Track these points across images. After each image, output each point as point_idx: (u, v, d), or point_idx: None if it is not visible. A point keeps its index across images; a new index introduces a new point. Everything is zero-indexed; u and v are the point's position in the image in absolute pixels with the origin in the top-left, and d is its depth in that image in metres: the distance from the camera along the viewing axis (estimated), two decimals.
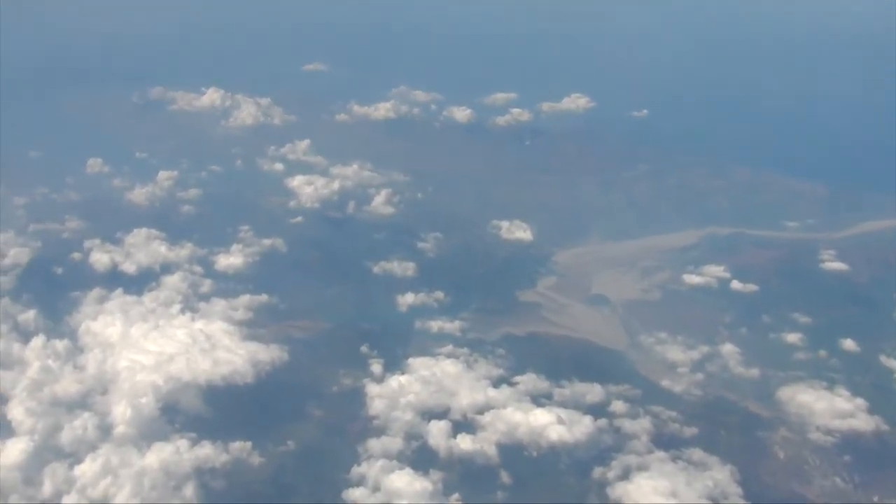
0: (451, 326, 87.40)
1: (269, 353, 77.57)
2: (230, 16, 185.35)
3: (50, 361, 74.80)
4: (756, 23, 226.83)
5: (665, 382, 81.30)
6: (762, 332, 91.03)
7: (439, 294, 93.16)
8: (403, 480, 64.13)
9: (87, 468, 62.72)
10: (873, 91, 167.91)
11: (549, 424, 70.95)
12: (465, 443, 69.20)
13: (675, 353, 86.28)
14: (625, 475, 66.32)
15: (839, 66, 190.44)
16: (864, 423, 75.73)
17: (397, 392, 74.07)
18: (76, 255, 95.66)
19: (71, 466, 63.10)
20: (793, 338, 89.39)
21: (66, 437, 66.48)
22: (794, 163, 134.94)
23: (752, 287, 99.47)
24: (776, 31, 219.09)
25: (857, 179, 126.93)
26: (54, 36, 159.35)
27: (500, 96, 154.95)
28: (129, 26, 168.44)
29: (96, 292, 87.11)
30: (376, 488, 63.72)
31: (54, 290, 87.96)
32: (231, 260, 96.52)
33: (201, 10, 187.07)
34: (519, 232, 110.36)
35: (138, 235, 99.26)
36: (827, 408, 77.36)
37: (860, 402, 77.93)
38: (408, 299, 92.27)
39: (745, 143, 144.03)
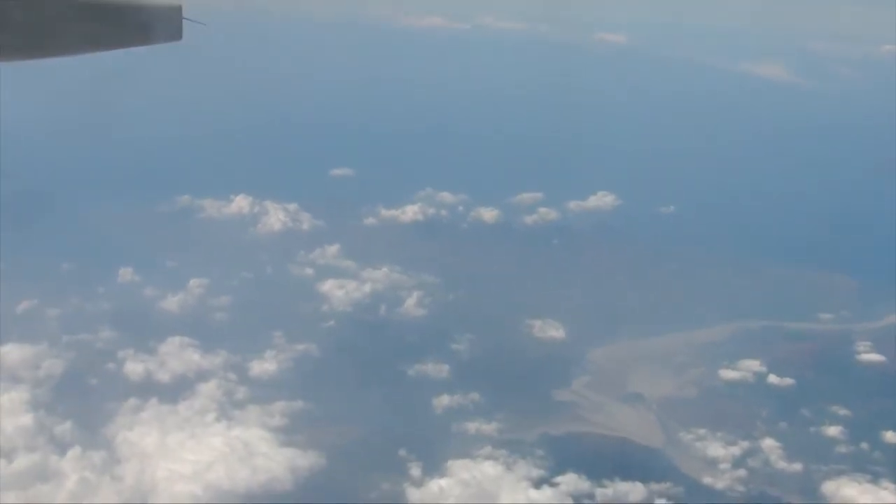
0: (489, 428, 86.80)
1: (306, 460, 77.21)
2: (255, 123, 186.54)
3: (87, 473, 74.57)
4: (781, 116, 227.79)
5: (707, 479, 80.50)
6: (802, 426, 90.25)
7: (475, 395, 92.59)
8: None
9: None
10: None
11: None
12: None
13: (716, 449, 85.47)
14: None
15: (868, 157, 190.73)
16: None
17: (438, 496, 73.58)
18: (110, 366, 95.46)
19: None
20: (833, 431, 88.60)
21: None
22: (825, 255, 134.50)
23: (788, 381, 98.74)
24: (802, 124, 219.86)
25: (888, 270, 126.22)
26: (79, 148, 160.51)
27: (527, 196, 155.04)
28: (153, 136, 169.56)
29: (131, 402, 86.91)
30: None
31: (89, 401, 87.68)
32: (265, 366, 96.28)
33: (225, 118, 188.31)
34: (551, 331, 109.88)
35: (171, 344, 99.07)
36: (872, 502, 76.51)
37: None
38: (443, 401, 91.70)
39: (774, 237, 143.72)
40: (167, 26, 10.31)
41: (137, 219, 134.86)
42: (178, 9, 10.32)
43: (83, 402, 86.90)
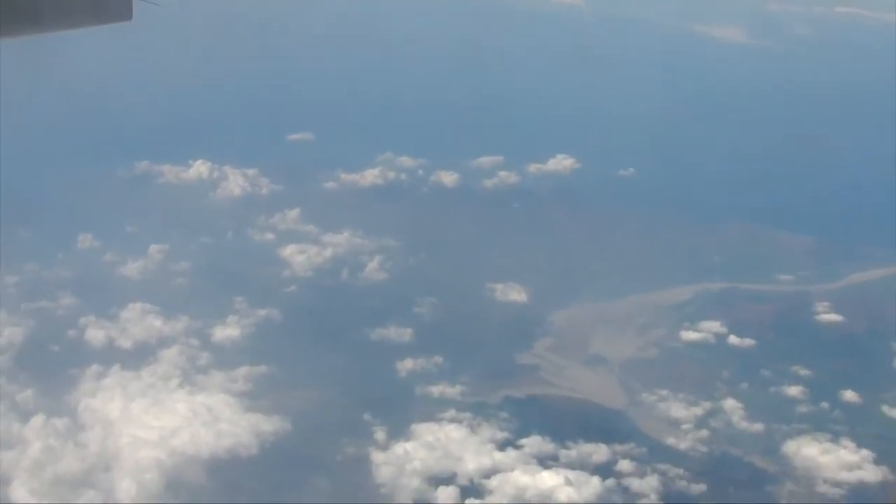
0: (452, 391, 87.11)
1: (271, 424, 77.27)
2: (212, 88, 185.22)
3: (51, 440, 74.29)
4: (739, 77, 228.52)
5: (670, 440, 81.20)
6: (763, 387, 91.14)
7: (438, 359, 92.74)
8: None
9: None
10: (860, 143, 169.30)
11: (557, 486, 70.90)
12: None
13: (678, 410, 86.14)
14: None
15: (825, 117, 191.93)
16: (871, 474, 75.89)
17: (403, 459, 73.88)
18: (71, 333, 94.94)
19: None
20: (794, 391, 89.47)
21: None
22: (783, 216, 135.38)
23: (749, 342, 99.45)
24: (761, 85, 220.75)
25: (846, 231, 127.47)
26: (36, 115, 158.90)
27: (487, 159, 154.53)
28: (110, 102, 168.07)
29: (94, 369, 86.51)
30: None
31: (51, 368, 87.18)
32: (227, 332, 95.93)
33: (182, 84, 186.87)
34: (513, 294, 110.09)
35: (133, 310, 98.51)
36: (833, 460, 77.44)
37: (865, 453, 78.03)
38: (407, 365, 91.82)
39: (732, 199, 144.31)
40: (118, 6, 10.14)
41: (96, 185, 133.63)
42: None
43: (45, 370, 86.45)
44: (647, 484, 73.25)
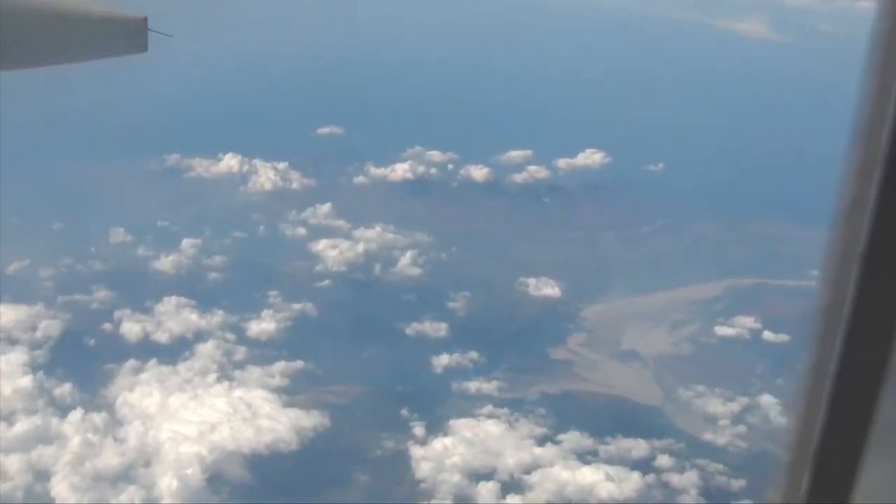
0: (489, 386, 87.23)
1: (310, 420, 77.48)
2: (240, 81, 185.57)
3: (90, 435, 74.62)
4: (765, 73, 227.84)
5: (707, 436, 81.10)
6: (798, 383, 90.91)
7: (473, 354, 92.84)
8: None
9: None
10: None
11: (598, 482, 70.92)
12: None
13: (714, 405, 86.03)
14: None
15: (850, 114, 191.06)
16: None
17: (442, 454, 74.00)
18: (107, 326, 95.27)
19: None
20: None
21: None
22: (812, 211, 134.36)
23: (783, 337, 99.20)
24: (786, 80, 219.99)
25: None
26: (66, 108, 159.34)
27: (516, 154, 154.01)
28: (139, 95, 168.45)
29: (131, 363, 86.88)
30: None
31: (88, 362, 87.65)
32: (263, 326, 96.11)
33: (210, 77, 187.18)
34: (546, 289, 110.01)
35: (168, 304, 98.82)
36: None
37: None
38: (443, 360, 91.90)
39: (760, 195, 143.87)
40: (133, 39, 10.09)
41: (126, 178, 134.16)
42: (144, 21, 10.12)
43: (82, 364, 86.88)
44: (687, 479, 73.33)
